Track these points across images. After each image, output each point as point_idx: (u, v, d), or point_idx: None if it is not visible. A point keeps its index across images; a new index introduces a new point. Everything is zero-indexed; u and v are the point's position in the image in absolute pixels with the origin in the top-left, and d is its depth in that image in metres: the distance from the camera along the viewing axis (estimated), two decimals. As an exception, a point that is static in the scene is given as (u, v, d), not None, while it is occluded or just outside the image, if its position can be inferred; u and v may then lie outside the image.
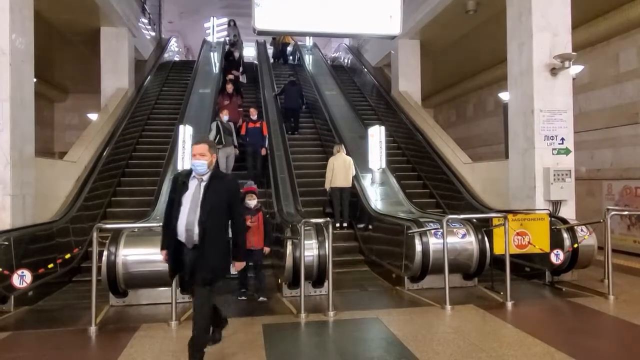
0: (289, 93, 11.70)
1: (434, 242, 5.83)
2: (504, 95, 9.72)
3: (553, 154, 6.99)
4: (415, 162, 10.79)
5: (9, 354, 4.08)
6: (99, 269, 4.97)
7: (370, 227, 7.78)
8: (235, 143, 9.34)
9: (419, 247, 5.85)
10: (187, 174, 3.69)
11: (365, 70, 15.34)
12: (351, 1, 5.53)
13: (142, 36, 14.03)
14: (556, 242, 6.00)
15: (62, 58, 12.98)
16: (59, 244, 6.64)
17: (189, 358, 3.46)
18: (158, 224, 4.63)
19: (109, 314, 5.24)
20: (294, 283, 5.63)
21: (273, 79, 13.92)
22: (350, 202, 8.50)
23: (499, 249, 5.61)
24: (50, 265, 5.83)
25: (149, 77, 13.19)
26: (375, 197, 8.61)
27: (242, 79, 13.28)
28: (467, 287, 6.15)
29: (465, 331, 4.44)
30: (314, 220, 5.69)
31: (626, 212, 7.83)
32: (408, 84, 12.51)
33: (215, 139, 8.89)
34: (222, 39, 17.54)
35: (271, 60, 16.92)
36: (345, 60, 18.04)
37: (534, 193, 6.97)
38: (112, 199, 9.05)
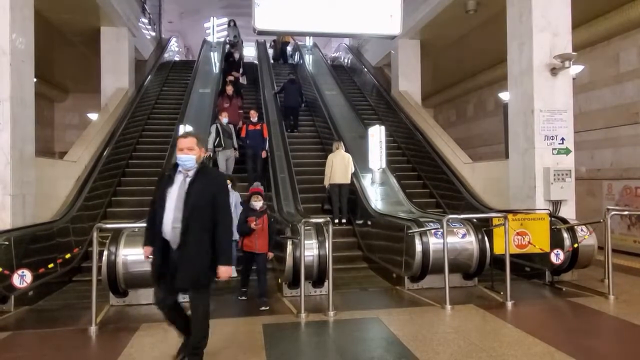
0: (289, 91, 11.73)
1: (434, 242, 5.83)
2: (504, 95, 9.72)
3: (553, 153, 6.99)
4: (415, 162, 10.79)
5: (9, 354, 4.08)
6: (99, 268, 4.98)
7: (369, 222, 7.82)
8: (235, 145, 9.28)
9: (419, 247, 5.85)
10: (174, 168, 3.45)
11: (365, 70, 15.33)
12: (351, 1, 5.53)
13: (142, 36, 14.04)
14: (556, 242, 6.00)
15: (62, 58, 13.00)
16: (59, 244, 6.65)
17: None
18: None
19: (109, 314, 5.24)
20: (294, 283, 5.63)
21: (273, 79, 13.93)
22: (348, 198, 8.57)
23: (499, 249, 5.61)
24: (51, 265, 5.84)
25: (149, 77, 13.19)
26: (375, 196, 8.61)
27: (242, 80, 13.25)
28: (467, 287, 6.15)
29: (466, 331, 4.44)
30: (314, 220, 5.69)
31: (626, 212, 7.83)
32: (408, 83, 12.52)
33: (215, 142, 8.88)
34: (222, 39, 17.54)
35: (271, 61, 16.92)
36: (346, 60, 18.04)
37: (534, 193, 6.97)
38: (113, 198, 9.05)
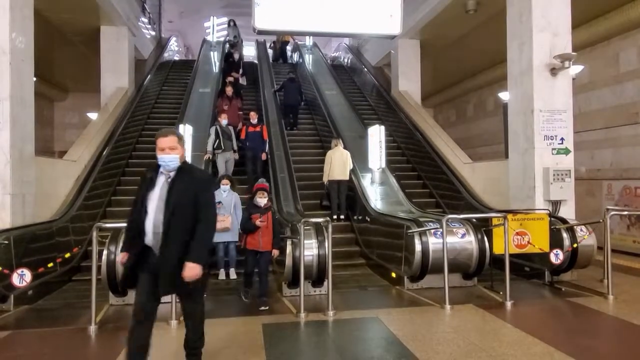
0: (288, 89, 11.76)
1: (434, 242, 5.83)
2: (504, 95, 9.71)
3: (553, 153, 6.99)
4: (415, 162, 10.79)
5: (9, 353, 4.08)
6: (98, 268, 4.98)
7: (367, 218, 7.88)
8: (235, 147, 9.20)
9: (418, 247, 5.85)
10: (155, 169, 3.24)
11: (365, 69, 15.33)
12: (351, 1, 5.54)
13: (142, 35, 14.03)
14: (556, 241, 6.00)
15: (62, 57, 12.99)
16: (59, 243, 6.64)
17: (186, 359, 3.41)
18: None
19: (109, 313, 5.24)
20: (294, 282, 5.63)
21: (273, 78, 13.93)
22: (346, 195, 8.66)
23: (498, 249, 5.61)
24: (50, 265, 5.84)
25: (149, 76, 13.19)
26: (375, 196, 8.62)
27: (242, 81, 13.16)
28: (467, 287, 6.16)
29: (465, 331, 4.44)
30: (313, 220, 5.69)
31: (626, 212, 7.84)
32: (408, 83, 12.52)
33: (214, 144, 8.84)
34: (222, 38, 17.52)
35: (271, 61, 16.92)
36: (345, 60, 18.04)
37: (533, 193, 6.97)
38: (112, 198, 9.05)
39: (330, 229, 5.26)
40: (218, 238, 6.79)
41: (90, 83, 12.72)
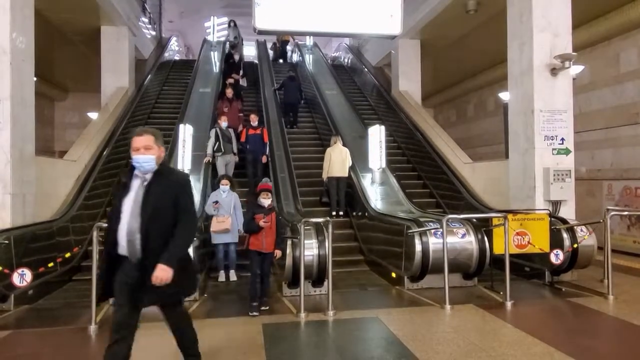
0: (288, 88, 11.80)
1: (434, 242, 5.83)
2: (504, 95, 9.72)
3: (553, 154, 6.99)
4: (415, 162, 10.79)
5: (9, 353, 4.09)
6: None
7: (366, 214, 7.94)
8: (235, 150, 9.14)
9: (418, 247, 5.85)
10: (130, 172, 3.02)
11: (366, 69, 15.34)
12: (351, 1, 5.53)
13: (142, 35, 14.04)
14: (556, 242, 6.00)
15: (62, 57, 13.00)
16: (59, 243, 6.65)
17: None
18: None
19: (109, 313, 5.22)
20: (294, 282, 5.64)
21: (273, 78, 13.93)
22: (345, 192, 8.75)
23: (498, 249, 5.61)
24: (51, 264, 5.85)
25: (149, 76, 13.20)
26: (375, 196, 8.62)
27: (243, 82, 13.08)
28: (467, 287, 6.16)
29: (465, 331, 4.44)
30: (313, 220, 5.69)
31: (626, 212, 7.85)
32: (408, 83, 12.52)
33: (214, 147, 8.81)
34: (222, 38, 17.53)
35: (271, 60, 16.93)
36: (346, 60, 18.04)
37: (534, 193, 6.97)
38: (112, 198, 9.05)
39: (330, 229, 5.26)
40: (218, 239, 6.79)
41: (91, 83, 12.73)
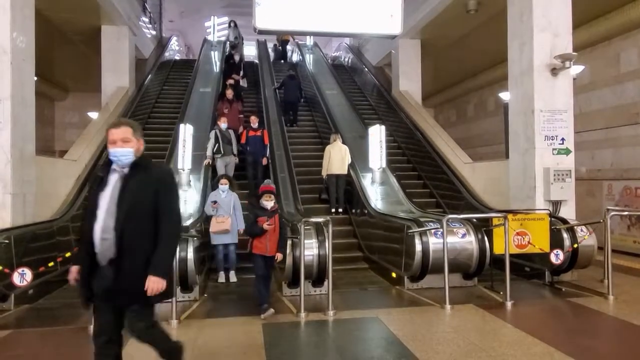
0: (288, 87, 11.85)
1: (434, 242, 5.83)
2: (505, 95, 9.72)
3: (553, 154, 6.99)
4: (415, 162, 10.80)
5: (10, 352, 4.09)
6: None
7: (365, 212, 7.98)
8: (235, 151, 9.06)
9: (418, 247, 5.85)
10: (107, 166, 2.79)
11: (366, 69, 15.33)
12: (352, 1, 5.54)
13: (142, 35, 14.04)
14: (556, 242, 6.00)
15: (62, 56, 13.00)
16: (60, 243, 6.65)
17: None
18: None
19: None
20: (294, 282, 5.64)
21: (274, 78, 13.93)
22: (344, 189, 8.84)
23: (498, 249, 5.61)
24: (51, 264, 5.84)
25: (149, 75, 13.19)
26: (375, 196, 8.62)
27: (243, 83, 13.00)
28: (467, 287, 6.16)
29: (465, 331, 4.45)
30: (314, 220, 5.69)
31: (626, 213, 7.84)
32: (409, 83, 12.51)
33: (214, 148, 8.77)
34: (222, 38, 17.52)
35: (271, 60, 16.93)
36: (346, 60, 18.04)
37: (534, 193, 6.96)
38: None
39: (330, 229, 5.26)
40: (217, 240, 6.74)
41: (91, 82, 12.73)
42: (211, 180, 8.46)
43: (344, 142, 9.09)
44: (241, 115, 10.48)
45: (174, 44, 17.76)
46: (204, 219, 7.00)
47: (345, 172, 8.76)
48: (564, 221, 6.40)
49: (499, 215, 5.78)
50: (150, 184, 2.72)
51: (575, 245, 6.09)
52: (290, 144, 10.20)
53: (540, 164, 6.95)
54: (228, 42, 16.09)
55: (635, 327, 4.55)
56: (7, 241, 5.31)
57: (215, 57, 15.72)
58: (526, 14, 7.10)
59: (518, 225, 5.70)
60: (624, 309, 5.11)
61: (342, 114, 11.93)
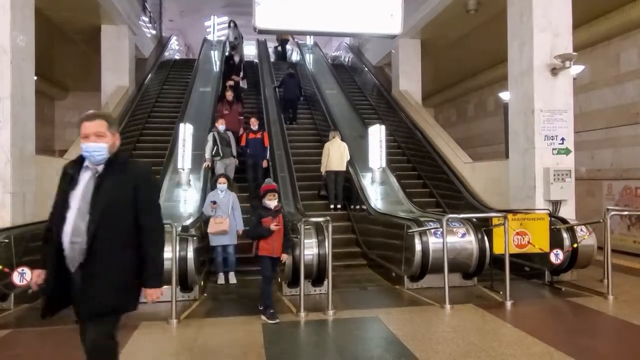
0: (288, 85, 11.87)
1: (434, 242, 5.83)
2: (505, 95, 9.72)
3: (553, 153, 6.99)
4: (415, 162, 10.80)
5: (9, 352, 4.09)
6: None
7: (364, 209, 8.02)
8: (234, 153, 8.91)
9: (418, 247, 5.85)
10: (79, 163, 2.54)
11: (366, 69, 15.34)
12: (352, 0, 5.54)
13: (142, 34, 14.04)
14: (556, 241, 6.00)
15: (62, 56, 13.00)
16: (59, 242, 6.63)
17: None
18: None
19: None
20: (294, 282, 5.64)
21: (274, 78, 13.93)
22: (343, 185, 8.92)
23: (498, 249, 5.61)
24: (51, 263, 5.82)
25: (149, 75, 13.20)
26: (375, 196, 8.62)
27: (243, 84, 12.87)
28: (467, 287, 6.16)
29: (465, 330, 4.45)
30: (313, 219, 5.69)
31: (626, 212, 7.84)
32: (409, 83, 12.52)
33: (212, 151, 8.62)
34: (222, 38, 17.51)
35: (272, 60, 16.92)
36: (346, 59, 18.04)
37: (534, 193, 6.97)
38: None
39: (330, 229, 5.25)
40: (216, 241, 6.66)
41: (91, 82, 12.72)
42: (211, 180, 8.43)
43: (342, 140, 9.11)
44: (241, 117, 10.40)
45: (173, 43, 17.76)
46: (203, 220, 6.94)
47: (344, 168, 8.84)
48: (564, 221, 6.40)
49: (499, 215, 5.78)
50: (128, 181, 2.51)
51: (575, 245, 6.09)
52: (289, 142, 10.22)
53: (540, 164, 6.95)
54: (228, 43, 16.05)
55: (635, 327, 4.55)
56: (6, 240, 5.30)
57: (215, 56, 15.71)
58: (526, 14, 7.10)
59: (518, 225, 5.70)
60: (624, 309, 5.11)
61: (342, 113, 11.93)
